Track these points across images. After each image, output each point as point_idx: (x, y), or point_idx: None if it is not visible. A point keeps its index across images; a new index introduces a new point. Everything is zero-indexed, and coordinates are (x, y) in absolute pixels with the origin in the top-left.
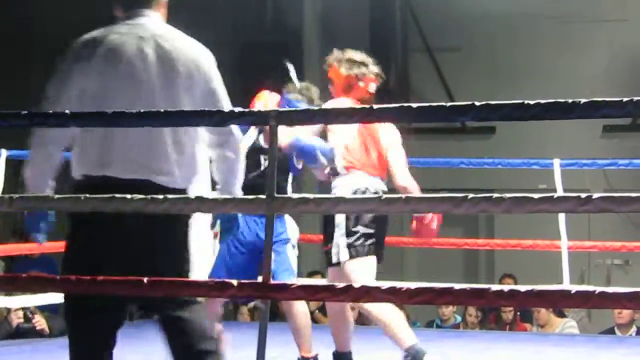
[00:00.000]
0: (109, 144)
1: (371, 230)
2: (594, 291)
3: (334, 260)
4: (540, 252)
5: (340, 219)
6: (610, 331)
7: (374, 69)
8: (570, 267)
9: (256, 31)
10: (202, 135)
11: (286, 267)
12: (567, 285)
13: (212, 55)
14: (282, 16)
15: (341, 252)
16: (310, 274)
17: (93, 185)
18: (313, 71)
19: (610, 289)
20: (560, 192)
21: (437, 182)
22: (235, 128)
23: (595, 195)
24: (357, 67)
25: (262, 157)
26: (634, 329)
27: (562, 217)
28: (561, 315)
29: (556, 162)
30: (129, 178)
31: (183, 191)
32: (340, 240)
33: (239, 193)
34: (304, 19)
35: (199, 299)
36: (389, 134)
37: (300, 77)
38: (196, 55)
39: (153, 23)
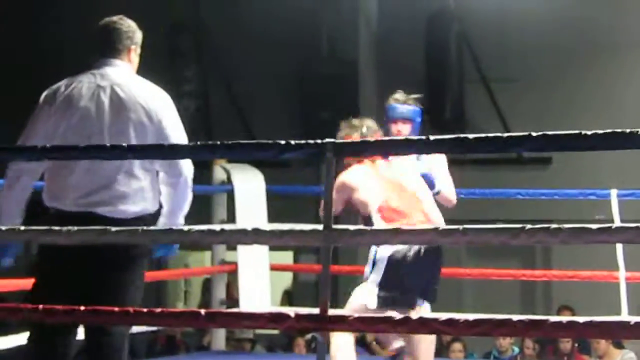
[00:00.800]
0: (62, 178)
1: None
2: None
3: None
4: (598, 283)
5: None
6: None
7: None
8: (629, 298)
9: (312, 63)
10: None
11: None
12: (625, 316)
13: (170, 101)
14: (337, 47)
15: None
16: None
17: (50, 216)
18: (369, 102)
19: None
20: (617, 223)
21: (493, 213)
22: (185, 166)
23: (630, 226)
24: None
25: None
26: None
27: (619, 247)
28: (620, 346)
29: (613, 192)
30: (74, 211)
31: (129, 222)
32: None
33: (181, 220)
34: (360, 51)
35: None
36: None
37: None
38: (150, 103)
39: (117, 72)
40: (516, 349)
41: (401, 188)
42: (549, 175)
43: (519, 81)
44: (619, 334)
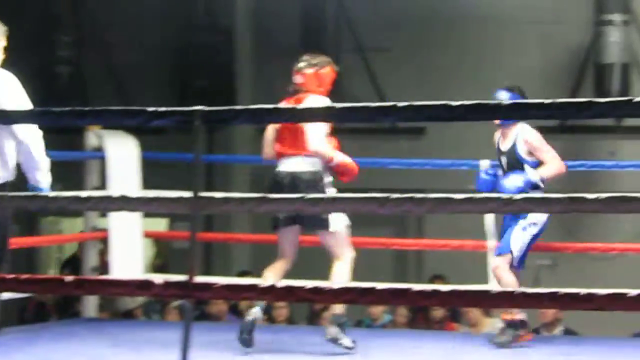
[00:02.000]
0: None
1: None
2: (513, 292)
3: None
4: (469, 252)
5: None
6: (536, 331)
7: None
8: None
9: (189, 32)
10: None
11: (504, 241)
12: (492, 285)
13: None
14: (214, 16)
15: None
16: (240, 274)
17: None
18: (245, 71)
19: (530, 290)
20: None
21: (368, 182)
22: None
23: (517, 196)
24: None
25: (501, 157)
26: (560, 328)
27: (489, 217)
28: (490, 314)
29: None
30: None
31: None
32: None
33: (40, 177)
34: (236, 19)
35: None
36: None
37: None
38: None
39: None
40: (388, 317)
41: None
42: (423, 145)
43: (395, 51)
44: (482, 303)
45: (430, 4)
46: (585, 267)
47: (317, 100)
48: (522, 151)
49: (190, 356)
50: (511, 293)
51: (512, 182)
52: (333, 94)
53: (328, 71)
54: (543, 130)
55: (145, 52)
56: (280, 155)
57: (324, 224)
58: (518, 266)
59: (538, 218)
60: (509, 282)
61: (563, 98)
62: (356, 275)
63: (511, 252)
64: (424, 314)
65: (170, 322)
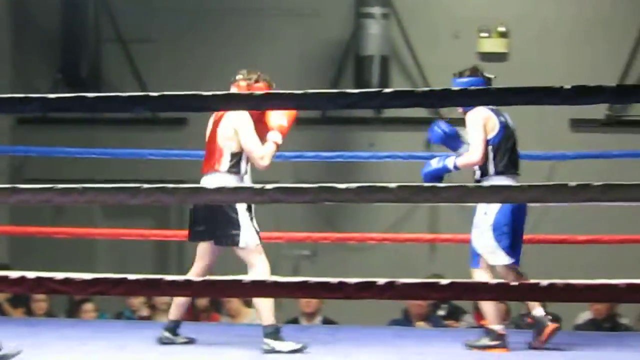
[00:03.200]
0: None
1: None
2: (265, 281)
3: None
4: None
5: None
6: (295, 321)
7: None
8: None
9: None
10: None
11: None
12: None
13: None
14: None
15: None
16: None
17: None
18: (3, 63)
19: (281, 279)
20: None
21: (129, 173)
22: None
23: (268, 186)
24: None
25: None
26: (319, 318)
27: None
28: (250, 305)
29: None
30: None
31: None
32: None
33: None
34: None
35: None
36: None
37: None
38: None
39: None
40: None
41: None
42: (184, 136)
43: (157, 41)
44: (233, 292)
45: None
46: (344, 258)
47: (242, 115)
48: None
49: None
50: (263, 282)
51: (430, 164)
52: (92, 86)
53: (262, 87)
54: (304, 122)
55: None
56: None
57: (234, 240)
58: (512, 262)
59: (490, 208)
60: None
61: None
62: (115, 266)
63: (479, 255)
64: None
65: None
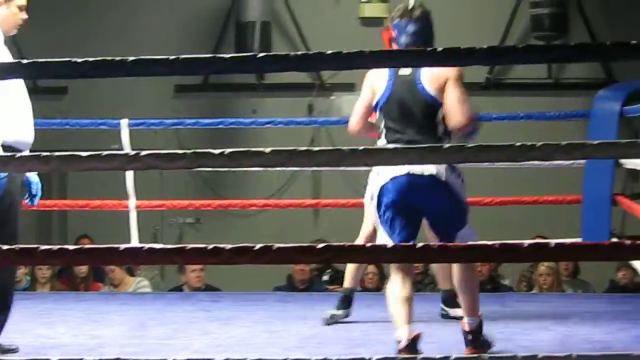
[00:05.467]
0: None
1: None
2: (142, 247)
3: None
4: (114, 212)
5: None
6: (179, 288)
7: None
8: (143, 227)
9: None
10: None
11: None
12: (135, 243)
13: None
14: None
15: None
16: None
17: None
18: None
19: (156, 245)
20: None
21: None
22: None
23: (143, 153)
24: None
25: None
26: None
27: (129, 175)
28: (133, 274)
29: (124, 122)
30: None
31: None
32: None
33: None
34: None
35: None
36: None
37: None
38: None
39: None
40: (28, 279)
41: None
42: (65, 105)
43: (35, 11)
44: (109, 260)
45: None
46: (229, 224)
47: None
48: None
49: None
50: (140, 249)
51: None
52: None
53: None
54: (185, 88)
55: None
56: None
57: None
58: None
59: (372, 190)
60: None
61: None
62: None
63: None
64: (68, 272)
65: None
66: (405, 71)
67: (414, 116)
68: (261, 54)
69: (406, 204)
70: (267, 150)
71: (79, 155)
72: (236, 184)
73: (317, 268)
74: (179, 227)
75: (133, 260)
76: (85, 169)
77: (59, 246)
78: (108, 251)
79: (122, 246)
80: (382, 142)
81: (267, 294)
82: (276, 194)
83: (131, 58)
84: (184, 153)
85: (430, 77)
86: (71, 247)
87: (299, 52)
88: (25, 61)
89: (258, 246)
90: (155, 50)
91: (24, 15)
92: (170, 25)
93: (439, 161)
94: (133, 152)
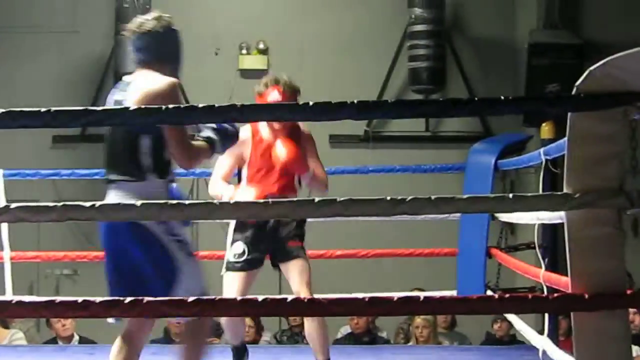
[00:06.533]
0: None
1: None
2: (11, 301)
3: None
4: None
5: None
6: (54, 341)
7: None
8: (20, 278)
9: None
10: None
11: None
12: (9, 296)
13: None
14: None
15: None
16: None
17: None
18: None
19: (25, 298)
20: (2, 202)
21: None
22: None
23: (13, 205)
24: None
25: None
26: (76, 338)
27: (4, 228)
28: (7, 326)
29: None
30: None
31: None
32: None
33: None
34: None
35: None
36: None
37: None
38: None
39: None
40: None
41: None
42: None
43: None
44: None
45: None
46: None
47: None
48: None
49: None
50: (9, 302)
51: None
52: None
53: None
54: (64, 139)
55: None
56: None
57: None
58: None
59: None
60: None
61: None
62: None
63: None
64: None
65: None
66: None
67: None
68: (132, 107)
69: None
70: (138, 203)
71: None
72: None
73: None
74: (55, 278)
75: (1, 313)
76: None
77: None
78: None
79: (14, 298)
80: None
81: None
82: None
83: (14, 111)
84: (54, 206)
85: None
86: None
87: (171, 106)
88: None
89: (127, 300)
90: (29, 101)
91: None
92: (47, 75)
93: (313, 215)
94: (3, 205)
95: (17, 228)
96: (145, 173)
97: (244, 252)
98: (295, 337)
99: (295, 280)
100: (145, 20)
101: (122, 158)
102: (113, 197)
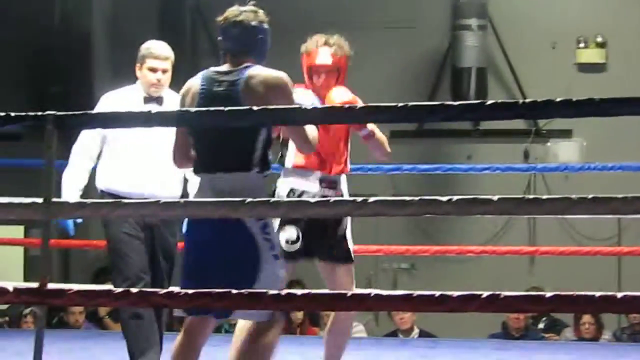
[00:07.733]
0: None
1: None
2: (369, 294)
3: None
4: None
5: None
6: (394, 334)
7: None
8: (357, 271)
9: (45, 35)
10: None
11: None
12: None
13: None
14: (70, 20)
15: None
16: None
17: None
18: (102, 77)
19: (384, 292)
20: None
21: None
22: None
23: (371, 200)
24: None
25: None
26: (416, 331)
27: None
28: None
29: None
30: None
31: None
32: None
33: None
34: (93, 24)
35: None
36: None
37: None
38: None
39: None
40: None
41: None
42: None
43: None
44: (336, 306)
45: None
46: (443, 270)
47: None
48: None
49: None
50: (367, 295)
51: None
52: None
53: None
54: (400, 134)
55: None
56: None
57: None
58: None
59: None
60: None
61: (420, 102)
62: None
63: None
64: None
65: (25, 330)
66: None
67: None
68: (489, 102)
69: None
70: (494, 197)
71: (309, 202)
72: (450, 229)
73: (532, 316)
74: (393, 272)
75: (361, 306)
76: (312, 215)
77: (286, 291)
78: (336, 297)
79: (350, 292)
80: None
81: (483, 341)
82: (491, 241)
83: (357, 106)
84: (412, 200)
85: None
86: (299, 292)
87: (526, 100)
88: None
89: (485, 294)
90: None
91: (156, 77)
92: (387, 70)
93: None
94: (360, 199)
95: (356, 222)
96: (253, 166)
97: (298, 238)
98: (635, 335)
99: (342, 288)
100: (241, 12)
101: (236, 150)
102: (214, 189)
